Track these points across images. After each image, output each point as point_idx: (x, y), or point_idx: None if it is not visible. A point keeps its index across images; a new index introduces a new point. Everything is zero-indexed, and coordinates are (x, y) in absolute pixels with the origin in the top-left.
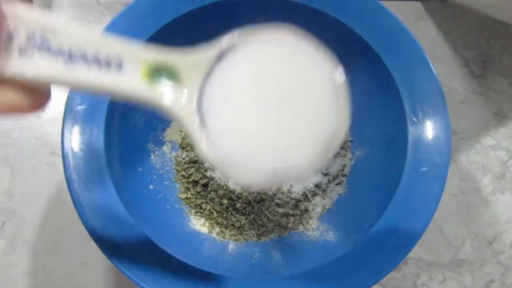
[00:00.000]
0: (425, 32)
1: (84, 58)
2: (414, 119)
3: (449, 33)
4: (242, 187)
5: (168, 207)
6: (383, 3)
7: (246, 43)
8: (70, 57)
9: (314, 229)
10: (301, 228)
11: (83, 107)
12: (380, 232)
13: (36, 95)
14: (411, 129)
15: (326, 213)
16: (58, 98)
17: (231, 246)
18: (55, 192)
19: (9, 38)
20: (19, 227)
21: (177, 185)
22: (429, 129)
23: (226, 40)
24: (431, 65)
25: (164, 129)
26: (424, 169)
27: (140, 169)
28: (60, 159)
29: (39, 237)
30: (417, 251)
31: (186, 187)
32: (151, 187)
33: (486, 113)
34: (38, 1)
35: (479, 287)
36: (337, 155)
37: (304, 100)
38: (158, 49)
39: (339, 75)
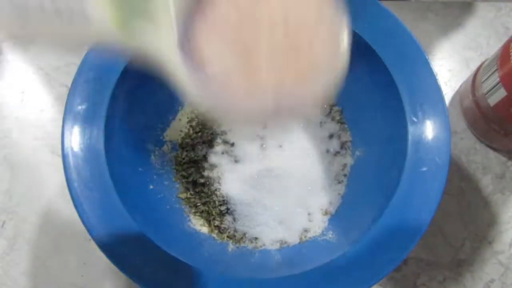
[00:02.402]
0: (425, 32)
1: (42, 10)
2: (414, 119)
3: (449, 33)
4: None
5: (168, 207)
6: (383, 3)
7: None
8: (27, 9)
9: None
10: None
11: (83, 107)
12: (380, 232)
13: None
14: (411, 129)
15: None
16: (59, 98)
17: (231, 246)
18: (55, 192)
19: None
20: (19, 227)
21: (177, 185)
22: (429, 129)
23: None
24: (431, 65)
25: (164, 129)
26: (424, 169)
27: (140, 169)
28: (60, 159)
29: (39, 237)
30: (417, 251)
31: (186, 187)
32: (151, 187)
33: None
34: None
35: (479, 287)
36: (337, 154)
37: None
38: None
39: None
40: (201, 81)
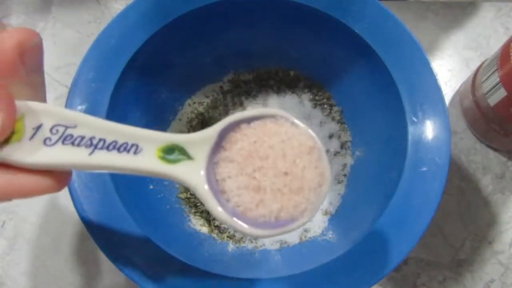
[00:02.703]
0: (425, 32)
1: (104, 145)
2: (414, 119)
3: (449, 33)
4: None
5: (168, 207)
6: (383, 3)
7: (240, 123)
8: (91, 145)
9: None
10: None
11: (83, 107)
12: (380, 232)
13: (58, 177)
14: (411, 129)
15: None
16: (59, 98)
17: (231, 246)
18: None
19: (34, 130)
20: (19, 227)
21: (177, 185)
22: (429, 129)
23: (223, 122)
24: (431, 65)
25: (164, 129)
26: (424, 169)
27: None
28: None
29: (39, 237)
30: (417, 251)
31: (185, 187)
32: (151, 187)
33: None
34: (38, 1)
35: (479, 287)
36: (337, 154)
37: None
38: (168, 133)
39: (318, 142)
40: (221, 203)
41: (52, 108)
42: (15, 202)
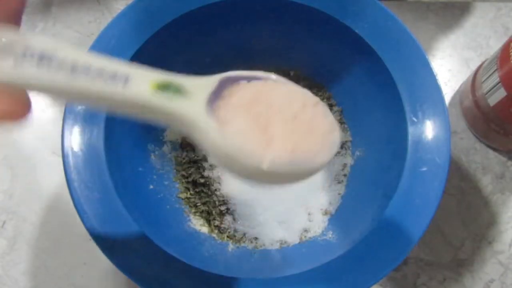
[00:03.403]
0: (425, 32)
1: (88, 72)
2: (414, 119)
3: (449, 33)
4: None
5: (168, 207)
6: (383, 3)
7: (239, 79)
8: (73, 70)
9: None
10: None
11: (83, 107)
12: (380, 232)
13: (19, 104)
14: (411, 129)
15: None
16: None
17: (231, 246)
18: (55, 192)
19: (5, 48)
20: (19, 227)
21: (177, 185)
22: (429, 129)
23: (223, 74)
24: (431, 65)
25: (164, 129)
26: (424, 169)
27: (140, 169)
28: (60, 159)
29: (39, 237)
30: (417, 251)
31: (186, 187)
32: (151, 187)
33: None
34: (38, 1)
35: (479, 287)
36: (337, 154)
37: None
38: (164, 72)
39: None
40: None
41: (26, 36)
42: (15, 202)
